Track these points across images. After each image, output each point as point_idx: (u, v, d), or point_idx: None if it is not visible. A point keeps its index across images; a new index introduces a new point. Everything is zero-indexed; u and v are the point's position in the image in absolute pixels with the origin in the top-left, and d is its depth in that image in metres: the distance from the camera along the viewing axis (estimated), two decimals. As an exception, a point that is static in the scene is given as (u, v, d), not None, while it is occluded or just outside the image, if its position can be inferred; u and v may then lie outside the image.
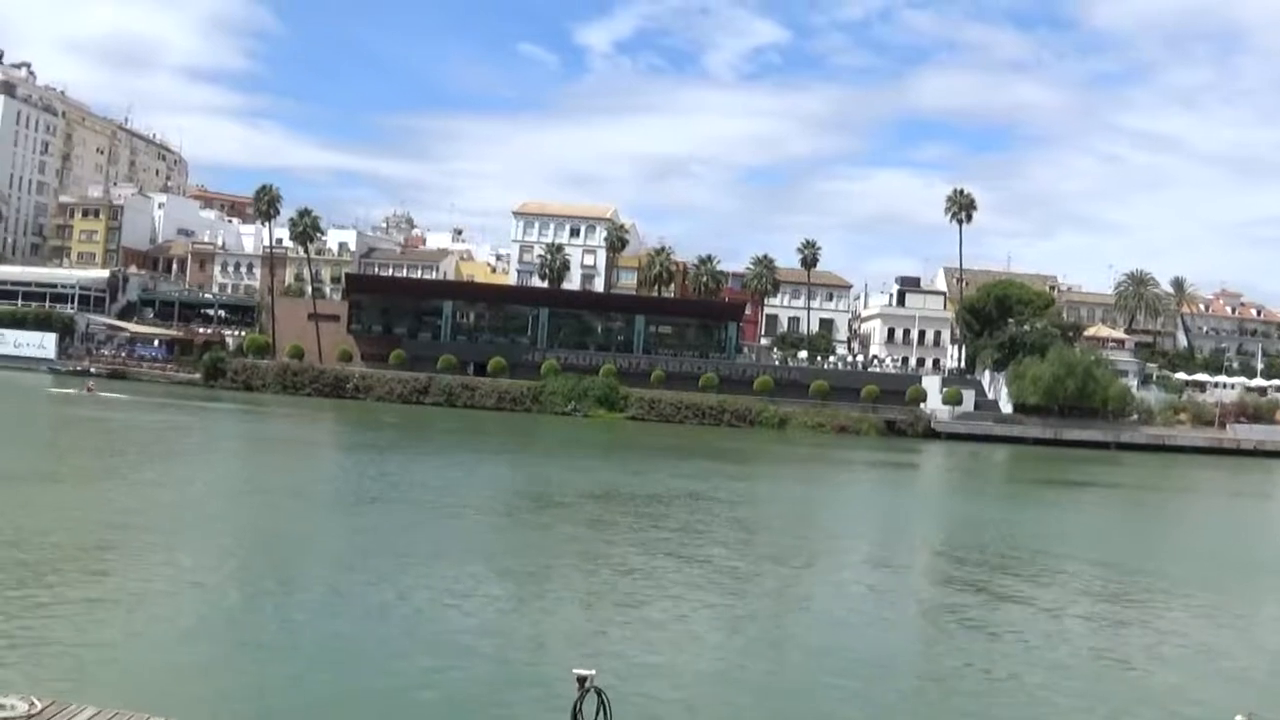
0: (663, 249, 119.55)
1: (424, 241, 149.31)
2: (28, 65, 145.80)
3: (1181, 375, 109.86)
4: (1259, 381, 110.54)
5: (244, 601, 18.39)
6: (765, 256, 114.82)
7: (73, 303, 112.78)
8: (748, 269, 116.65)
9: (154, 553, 21.84)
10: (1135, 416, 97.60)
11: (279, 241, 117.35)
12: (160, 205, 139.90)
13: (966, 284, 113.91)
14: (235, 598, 18.60)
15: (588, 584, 22.07)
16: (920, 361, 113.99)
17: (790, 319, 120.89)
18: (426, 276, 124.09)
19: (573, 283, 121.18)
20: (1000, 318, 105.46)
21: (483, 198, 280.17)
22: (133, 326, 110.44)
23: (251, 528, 26.55)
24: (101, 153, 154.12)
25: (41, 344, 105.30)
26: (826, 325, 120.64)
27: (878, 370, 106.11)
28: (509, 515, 32.57)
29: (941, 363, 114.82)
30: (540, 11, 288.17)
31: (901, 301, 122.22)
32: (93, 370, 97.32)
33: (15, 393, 75.81)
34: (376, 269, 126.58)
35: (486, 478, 43.08)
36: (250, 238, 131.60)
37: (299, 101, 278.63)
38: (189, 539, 23.78)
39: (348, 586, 20.03)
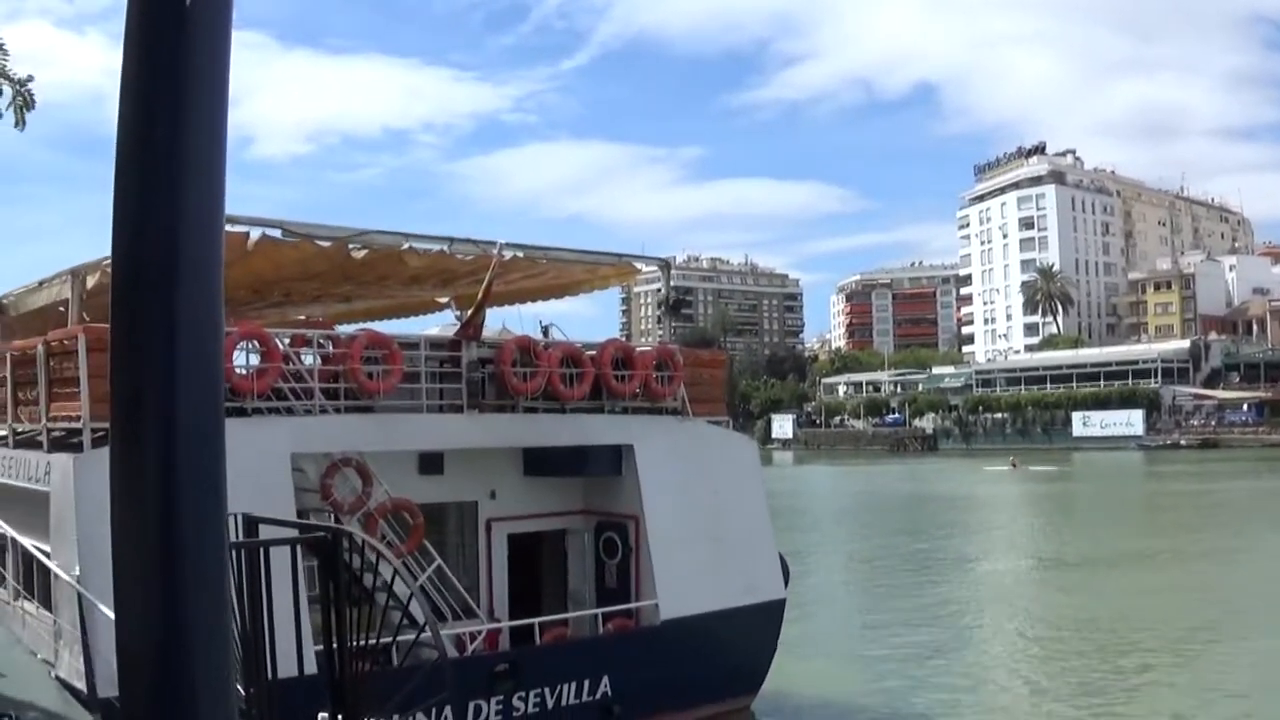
0: None
1: None
2: (1073, 152, 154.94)
3: None
4: None
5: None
6: None
7: (1155, 377, 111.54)
8: None
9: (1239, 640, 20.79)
10: None
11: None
12: (1231, 268, 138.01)
13: None
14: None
15: None
16: None
17: None
18: None
19: None
20: None
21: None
22: (1219, 393, 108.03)
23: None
24: (1163, 225, 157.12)
25: (1128, 421, 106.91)
26: None
27: None
28: None
29: None
30: None
31: None
32: (1182, 442, 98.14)
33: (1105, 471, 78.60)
34: None
35: None
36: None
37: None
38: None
39: None
